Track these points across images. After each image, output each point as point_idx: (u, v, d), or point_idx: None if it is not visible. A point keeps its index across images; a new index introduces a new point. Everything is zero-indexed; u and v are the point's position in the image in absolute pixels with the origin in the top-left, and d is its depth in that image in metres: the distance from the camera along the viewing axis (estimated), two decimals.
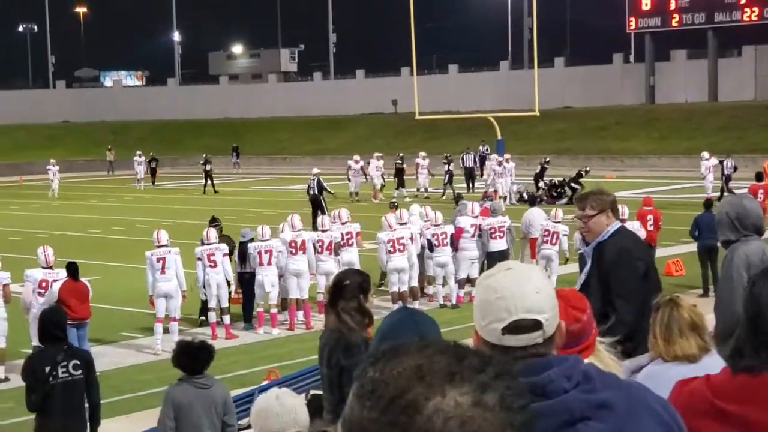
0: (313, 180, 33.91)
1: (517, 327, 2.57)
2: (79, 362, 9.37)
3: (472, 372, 1.50)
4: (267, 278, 17.96)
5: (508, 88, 69.84)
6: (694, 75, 68.10)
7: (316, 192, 33.55)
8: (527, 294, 2.57)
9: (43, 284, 15.37)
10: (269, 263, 17.98)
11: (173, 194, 47.78)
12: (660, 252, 24.79)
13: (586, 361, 2.74)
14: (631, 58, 76.35)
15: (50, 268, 15.59)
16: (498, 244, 20.06)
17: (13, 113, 78.92)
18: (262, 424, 4.94)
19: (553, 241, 20.43)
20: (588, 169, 40.07)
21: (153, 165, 52.85)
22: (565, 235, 20.61)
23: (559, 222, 20.89)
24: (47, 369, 9.17)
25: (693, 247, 20.92)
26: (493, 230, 20.19)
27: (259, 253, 17.95)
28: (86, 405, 9.62)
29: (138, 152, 52.56)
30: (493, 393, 1.49)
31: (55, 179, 47.88)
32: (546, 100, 52.58)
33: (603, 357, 3.48)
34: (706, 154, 38.06)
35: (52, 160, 49.95)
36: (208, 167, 47.29)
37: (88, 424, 9.62)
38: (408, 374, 1.50)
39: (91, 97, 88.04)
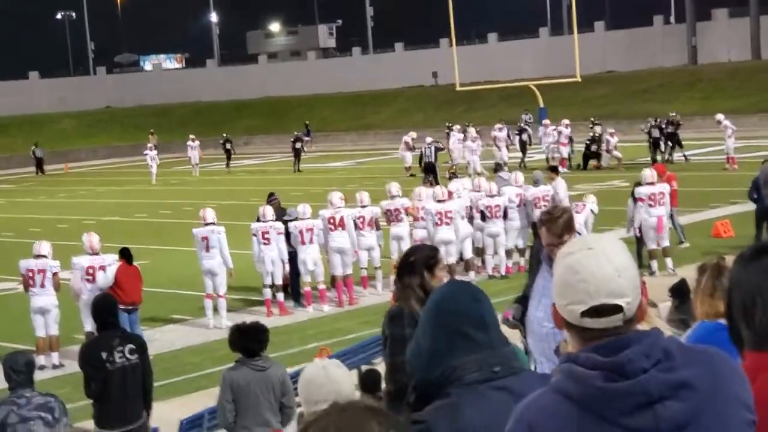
0: (429, 147, 34.16)
1: (597, 311, 2.51)
2: (134, 347, 9.40)
3: None
4: (309, 257, 17.98)
5: (549, 54, 69.33)
6: (736, 33, 67.20)
7: (432, 160, 33.81)
8: (609, 278, 2.50)
9: (90, 271, 15.50)
10: (311, 241, 18.00)
11: (217, 176, 47.96)
12: (708, 213, 24.58)
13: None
14: (672, 19, 75.50)
15: (96, 254, 15.72)
16: None
17: (55, 101, 79.60)
18: (307, 394, 4.95)
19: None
20: (598, 131, 39.07)
21: (228, 146, 50.52)
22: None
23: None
24: (104, 355, 9.18)
25: (741, 208, 20.58)
26: (537, 200, 20.09)
27: (301, 232, 17.98)
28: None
29: (191, 136, 51.19)
30: None
31: (154, 164, 46.66)
32: (587, 65, 52.16)
33: (654, 322, 3.43)
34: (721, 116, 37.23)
35: (149, 144, 49.38)
36: (298, 145, 47.31)
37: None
38: None
39: (132, 81, 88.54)
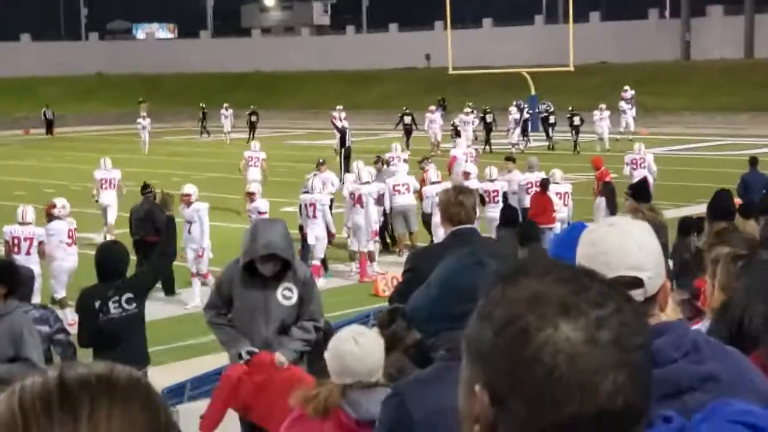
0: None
1: (617, 284, 2.51)
2: (132, 295, 9.01)
3: (589, 306, 1.45)
4: (311, 231, 18.05)
5: (543, 42, 69.23)
6: (730, 31, 67.28)
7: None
8: (629, 250, 2.52)
9: (15, 241, 15.27)
10: (314, 216, 18.06)
11: (202, 147, 47.79)
12: (695, 209, 24.60)
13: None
14: (667, 13, 75.53)
15: (26, 224, 15.55)
16: None
17: (45, 65, 79.16)
18: (340, 369, 4.89)
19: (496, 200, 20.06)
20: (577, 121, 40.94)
21: (253, 119, 50.28)
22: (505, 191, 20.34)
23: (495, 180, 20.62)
24: (97, 304, 8.80)
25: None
26: (529, 185, 20.12)
27: (305, 206, 18.14)
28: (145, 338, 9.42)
29: (225, 105, 50.63)
30: (608, 330, 1.44)
31: (145, 133, 46.10)
32: (581, 55, 52.06)
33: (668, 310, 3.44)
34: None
35: (142, 113, 49.09)
36: (254, 118, 47.61)
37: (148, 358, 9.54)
38: (523, 301, 1.46)
39: (124, 49, 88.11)
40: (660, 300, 2.59)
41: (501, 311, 1.47)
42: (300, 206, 18.62)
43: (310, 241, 18.03)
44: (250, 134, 47.74)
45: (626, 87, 45.64)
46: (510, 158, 23.46)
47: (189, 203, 17.03)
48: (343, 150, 33.00)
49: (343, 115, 39.53)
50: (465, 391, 1.52)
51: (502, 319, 1.46)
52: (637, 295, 2.52)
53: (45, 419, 1.31)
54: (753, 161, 19.84)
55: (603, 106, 40.85)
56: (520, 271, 1.52)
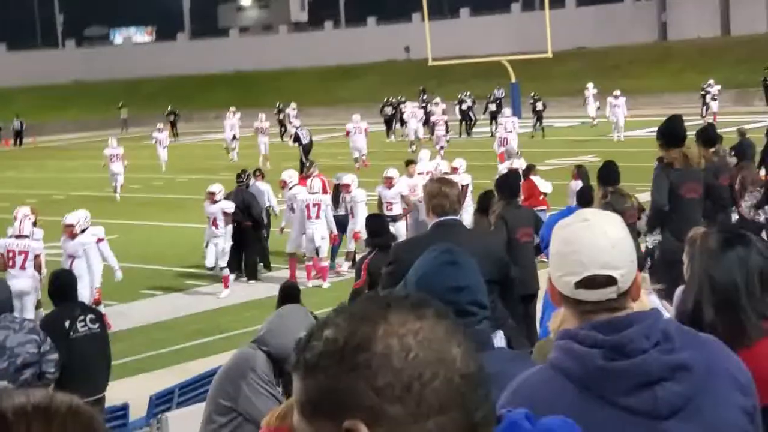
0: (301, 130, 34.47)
1: (590, 282, 2.52)
2: (94, 316, 9.50)
3: (401, 298, 1.54)
4: (317, 232, 17.72)
5: (521, 30, 69.21)
6: (706, 10, 67.39)
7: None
8: (602, 249, 2.51)
9: (10, 254, 14.75)
10: (317, 216, 17.80)
11: (186, 150, 47.68)
12: None
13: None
14: None
15: (22, 237, 15.03)
16: None
17: (23, 75, 78.74)
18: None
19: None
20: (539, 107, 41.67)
21: (281, 117, 50.02)
22: None
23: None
24: (67, 324, 9.19)
25: None
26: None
27: (308, 206, 17.81)
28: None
29: (232, 109, 46.89)
30: (427, 308, 1.52)
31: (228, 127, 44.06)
32: (559, 41, 52.08)
33: (642, 298, 3.46)
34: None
35: (232, 109, 45.25)
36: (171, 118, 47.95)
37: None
38: (345, 324, 1.51)
39: (102, 55, 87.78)
40: (633, 292, 2.59)
41: (329, 346, 1.50)
42: (289, 205, 18.47)
43: (317, 242, 17.69)
44: (172, 131, 47.75)
45: (589, 84, 46.03)
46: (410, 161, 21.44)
47: (73, 235, 15.02)
48: (302, 148, 33.10)
49: (294, 113, 39.80)
50: None
51: (338, 348, 1.49)
52: (611, 292, 2.53)
53: None
54: (742, 132, 19.76)
55: (617, 92, 40.19)
56: (312, 328, 1.56)
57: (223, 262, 17.50)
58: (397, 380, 1.45)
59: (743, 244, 3.79)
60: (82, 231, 15.00)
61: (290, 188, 18.67)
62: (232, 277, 17.91)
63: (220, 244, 17.41)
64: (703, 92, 43.99)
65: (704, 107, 42.89)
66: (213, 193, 17.65)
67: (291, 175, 19.29)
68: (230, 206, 17.63)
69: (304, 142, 33.61)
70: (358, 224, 17.82)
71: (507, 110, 37.80)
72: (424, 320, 1.50)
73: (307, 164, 20.83)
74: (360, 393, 1.46)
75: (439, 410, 1.46)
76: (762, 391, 2.64)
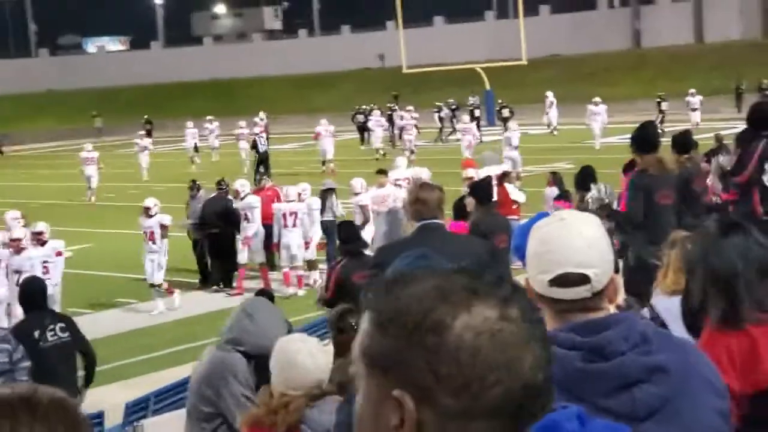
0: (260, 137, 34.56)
1: (563, 280, 2.53)
2: (64, 325, 9.47)
3: (491, 288, 1.50)
4: (294, 240, 17.70)
5: (495, 38, 69.48)
6: (679, 17, 67.82)
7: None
8: (578, 249, 2.52)
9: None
10: (294, 225, 17.74)
11: (162, 158, 47.55)
12: None
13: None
14: (616, 2, 76.02)
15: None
16: None
17: None
18: (287, 379, 4.79)
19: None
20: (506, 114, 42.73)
21: (148, 128, 50.57)
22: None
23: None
24: (36, 334, 9.18)
25: None
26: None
27: (284, 215, 17.75)
28: (79, 371, 9.69)
29: (209, 118, 47.26)
30: (514, 306, 1.49)
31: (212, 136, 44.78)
32: (533, 48, 52.29)
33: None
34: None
35: (140, 132, 45.57)
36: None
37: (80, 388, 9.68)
38: (429, 296, 1.48)
39: (75, 64, 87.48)
40: (609, 293, 2.59)
41: (406, 314, 1.47)
42: (244, 215, 18.34)
43: (293, 250, 17.66)
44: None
45: (549, 93, 46.95)
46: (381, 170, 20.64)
47: (19, 249, 14.76)
48: (258, 156, 33.19)
49: (263, 122, 40.08)
50: (372, 406, 1.50)
51: (411, 321, 1.46)
52: (584, 291, 2.53)
53: None
54: (719, 138, 19.77)
55: (598, 99, 40.46)
56: (410, 274, 1.52)
57: (160, 278, 17.26)
58: (459, 374, 1.44)
59: (742, 232, 3.89)
60: (42, 244, 14.91)
61: (242, 198, 18.51)
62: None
63: (156, 260, 17.20)
64: (658, 99, 45.05)
65: (660, 114, 43.47)
66: (148, 208, 17.37)
67: (243, 184, 19.08)
68: (167, 219, 17.45)
69: (260, 150, 33.52)
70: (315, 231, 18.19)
71: (465, 117, 39.27)
72: (506, 321, 1.47)
73: (257, 177, 20.70)
74: (419, 371, 1.45)
75: (490, 414, 1.45)
76: (749, 378, 2.65)
